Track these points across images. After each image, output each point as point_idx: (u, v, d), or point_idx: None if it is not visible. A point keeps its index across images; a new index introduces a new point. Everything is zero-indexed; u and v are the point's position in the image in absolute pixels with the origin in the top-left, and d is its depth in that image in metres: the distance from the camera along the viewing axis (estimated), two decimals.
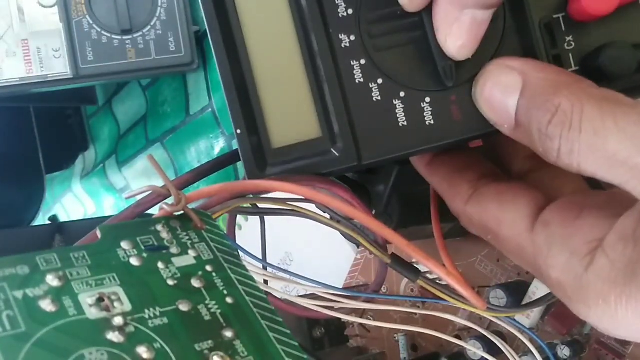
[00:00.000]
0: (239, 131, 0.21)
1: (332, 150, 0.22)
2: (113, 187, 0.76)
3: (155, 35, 0.54)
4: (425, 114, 0.21)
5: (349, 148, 0.21)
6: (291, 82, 0.22)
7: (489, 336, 0.30)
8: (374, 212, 0.29)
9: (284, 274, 0.29)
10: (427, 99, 0.21)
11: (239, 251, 0.22)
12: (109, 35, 0.53)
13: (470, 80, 0.21)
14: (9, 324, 0.15)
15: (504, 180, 0.22)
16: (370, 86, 0.21)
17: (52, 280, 0.16)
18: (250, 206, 0.25)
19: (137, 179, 0.72)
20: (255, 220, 0.44)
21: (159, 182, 0.20)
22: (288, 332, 0.18)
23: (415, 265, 0.26)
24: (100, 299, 0.16)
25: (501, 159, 0.24)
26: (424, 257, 0.23)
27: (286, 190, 0.21)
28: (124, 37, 0.53)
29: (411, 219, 0.30)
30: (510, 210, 0.21)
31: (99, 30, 0.53)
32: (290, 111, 0.22)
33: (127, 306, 0.17)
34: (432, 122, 0.21)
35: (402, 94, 0.21)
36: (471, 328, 0.31)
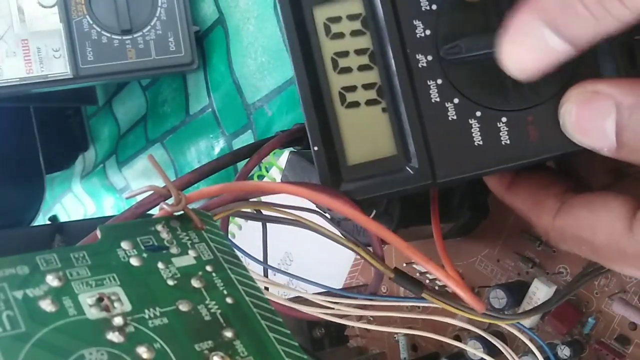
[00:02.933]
0: (316, 148, 0.22)
1: (407, 168, 0.22)
2: (113, 187, 0.76)
3: (155, 35, 0.54)
4: (501, 134, 0.21)
5: (423, 167, 0.21)
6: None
7: (488, 337, 0.30)
8: (374, 212, 0.29)
9: (284, 277, 0.29)
10: (504, 119, 0.21)
11: (241, 254, 0.22)
12: (109, 35, 0.53)
13: (549, 100, 0.21)
14: (9, 324, 0.15)
15: (591, 191, 0.22)
16: (447, 105, 0.21)
17: (52, 281, 0.16)
18: (253, 211, 0.25)
19: (137, 179, 0.72)
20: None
21: (159, 182, 0.20)
22: (288, 332, 0.18)
23: (418, 279, 0.26)
24: (100, 299, 0.16)
25: (577, 176, 0.24)
26: (424, 259, 0.23)
27: (286, 192, 0.21)
28: (124, 37, 0.53)
29: (412, 219, 0.30)
30: (604, 214, 0.20)
31: (99, 30, 0.53)
32: (367, 129, 0.22)
33: (127, 306, 0.17)
34: (508, 142, 0.21)
35: (478, 114, 0.21)
36: (471, 329, 0.31)
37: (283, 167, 0.45)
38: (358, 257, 0.41)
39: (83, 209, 0.82)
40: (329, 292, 0.28)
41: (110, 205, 0.77)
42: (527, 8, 0.18)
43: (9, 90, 0.52)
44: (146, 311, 0.17)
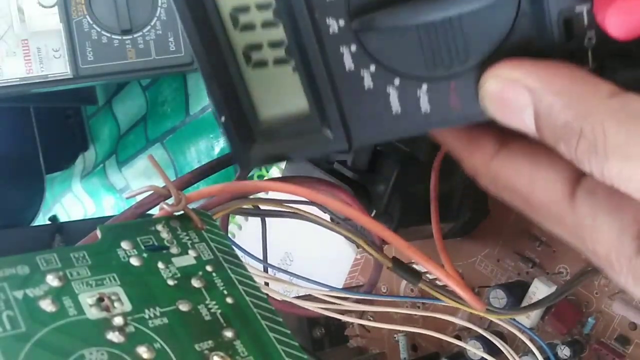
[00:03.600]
0: (223, 119, 0.20)
1: (322, 131, 0.20)
2: (113, 187, 0.76)
3: (155, 35, 0.54)
4: (421, 102, 0.20)
5: (339, 132, 0.20)
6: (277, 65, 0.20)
7: (488, 337, 0.30)
8: (374, 212, 0.29)
9: (284, 275, 0.29)
10: (424, 87, 0.20)
11: (240, 252, 0.22)
12: (109, 35, 0.53)
13: (473, 68, 0.19)
14: (9, 324, 0.15)
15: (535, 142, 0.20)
16: (362, 74, 0.20)
17: (52, 280, 0.16)
18: (251, 207, 0.25)
19: (137, 179, 0.72)
20: (255, 220, 0.44)
21: (159, 182, 0.20)
22: (288, 332, 0.18)
23: (416, 269, 0.26)
24: (100, 299, 0.16)
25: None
26: (424, 259, 0.23)
27: (286, 191, 0.21)
28: (124, 37, 0.53)
29: (411, 219, 0.30)
30: (547, 171, 0.19)
31: (99, 30, 0.53)
32: (277, 89, 0.20)
33: (127, 306, 0.17)
34: (428, 110, 0.20)
35: (396, 82, 0.20)
36: (471, 328, 0.31)
37: (283, 167, 0.45)
38: (358, 257, 0.41)
39: (83, 209, 0.82)
40: (331, 289, 0.28)
41: (110, 205, 0.77)
42: (527, 80, 0.18)
43: (9, 90, 0.52)
44: (146, 311, 0.17)
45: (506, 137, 0.20)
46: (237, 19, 0.20)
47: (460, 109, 0.20)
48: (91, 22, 0.53)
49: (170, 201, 0.20)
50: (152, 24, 0.54)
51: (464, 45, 0.19)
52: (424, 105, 0.20)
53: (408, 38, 0.19)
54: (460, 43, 0.19)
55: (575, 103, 0.17)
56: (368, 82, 0.20)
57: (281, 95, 0.21)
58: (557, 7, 0.19)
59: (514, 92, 0.18)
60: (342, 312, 0.29)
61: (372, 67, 0.20)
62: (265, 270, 0.30)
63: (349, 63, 0.20)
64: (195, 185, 0.22)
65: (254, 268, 0.26)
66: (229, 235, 0.40)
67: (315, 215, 0.24)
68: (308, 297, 0.29)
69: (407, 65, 0.20)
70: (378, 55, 0.19)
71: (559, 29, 0.19)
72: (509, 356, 0.29)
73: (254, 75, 0.20)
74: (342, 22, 0.19)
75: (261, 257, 0.29)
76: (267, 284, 0.28)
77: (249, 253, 0.27)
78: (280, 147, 0.21)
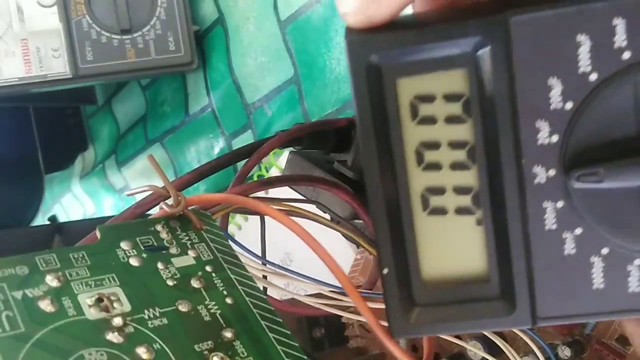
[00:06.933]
0: (386, 270, 0.18)
1: (499, 303, 0.18)
2: (112, 187, 0.76)
3: (155, 35, 0.54)
4: (630, 279, 0.17)
5: (523, 305, 0.17)
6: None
7: (489, 336, 0.30)
8: None
9: (283, 272, 0.29)
10: (637, 261, 0.17)
11: (239, 249, 0.22)
12: (108, 35, 0.53)
13: None
14: (9, 325, 0.15)
15: None
16: (564, 236, 0.17)
17: (51, 281, 0.16)
18: None
19: (137, 179, 0.72)
20: (254, 220, 0.44)
21: (159, 182, 0.20)
22: (288, 332, 0.18)
23: None
24: (99, 300, 0.16)
25: None
26: None
27: (285, 224, 0.21)
28: (124, 37, 0.53)
29: None
30: None
31: (98, 30, 0.53)
32: (453, 243, 0.18)
33: (127, 306, 0.17)
34: (637, 289, 0.17)
35: (604, 251, 0.17)
36: None
37: (283, 167, 0.45)
38: (358, 257, 0.41)
39: (82, 209, 0.82)
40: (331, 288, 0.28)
41: (109, 206, 0.77)
42: None
43: (8, 90, 0.52)
44: (146, 311, 0.17)
45: None
46: (423, 156, 0.17)
47: None
48: (90, 21, 0.53)
49: (170, 201, 0.20)
50: (151, 23, 0.54)
51: None
52: (634, 283, 0.17)
53: (631, 201, 0.16)
54: None
55: None
56: (570, 248, 0.17)
57: (455, 251, 0.18)
58: None
59: None
60: (343, 309, 0.29)
61: (579, 230, 0.17)
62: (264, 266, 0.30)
63: (550, 221, 0.17)
64: (195, 185, 0.22)
65: (254, 268, 0.26)
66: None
67: (316, 215, 0.24)
68: (310, 296, 0.29)
69: (622, 233, 0.17)
70: (589, 216, 0.17)
71: None
72: (510, 356, 0.29)
73: (428, 223, 0.18)
74: (552, 173, 0.17)
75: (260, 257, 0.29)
76: (265, 277, 0.28)
77: (248, 250, 0.27)
78: (446, 315, 0.18)
